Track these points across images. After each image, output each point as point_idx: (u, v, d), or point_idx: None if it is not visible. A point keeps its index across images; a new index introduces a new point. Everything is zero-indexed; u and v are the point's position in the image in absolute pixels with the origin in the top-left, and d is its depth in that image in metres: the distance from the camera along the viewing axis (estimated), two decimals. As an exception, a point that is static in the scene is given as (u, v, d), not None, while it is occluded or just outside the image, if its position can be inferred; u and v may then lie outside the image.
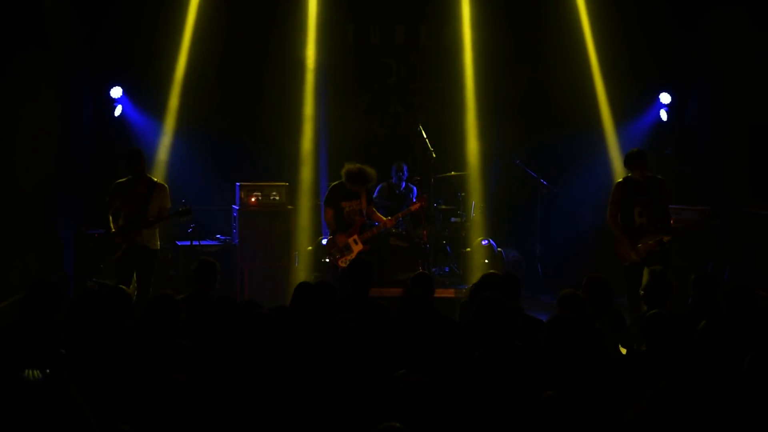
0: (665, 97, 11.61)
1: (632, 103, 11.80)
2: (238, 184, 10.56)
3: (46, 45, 8.99)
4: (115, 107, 11.30)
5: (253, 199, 10.45)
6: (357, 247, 9.44)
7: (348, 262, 9.08)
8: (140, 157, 8.84)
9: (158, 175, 9.89)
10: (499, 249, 11.20)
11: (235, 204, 10.58)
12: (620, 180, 8.71)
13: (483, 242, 11.18)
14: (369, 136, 12.20)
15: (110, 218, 8.76)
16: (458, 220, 11.29)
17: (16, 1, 8.70)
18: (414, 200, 10.50)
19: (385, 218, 9.70)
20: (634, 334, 6.45)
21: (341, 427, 4.40)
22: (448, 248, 11.26)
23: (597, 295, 6.18)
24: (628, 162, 8.59)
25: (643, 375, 4.75)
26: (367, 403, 4.52)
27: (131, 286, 8.60)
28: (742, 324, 5.80)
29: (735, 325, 5.74)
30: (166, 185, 8.95)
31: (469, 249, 11.25)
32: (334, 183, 9.68)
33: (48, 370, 3.63)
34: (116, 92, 11.26)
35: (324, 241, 10.55)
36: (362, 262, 7.21)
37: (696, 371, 4.54)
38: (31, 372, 3.62)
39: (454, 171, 11.37)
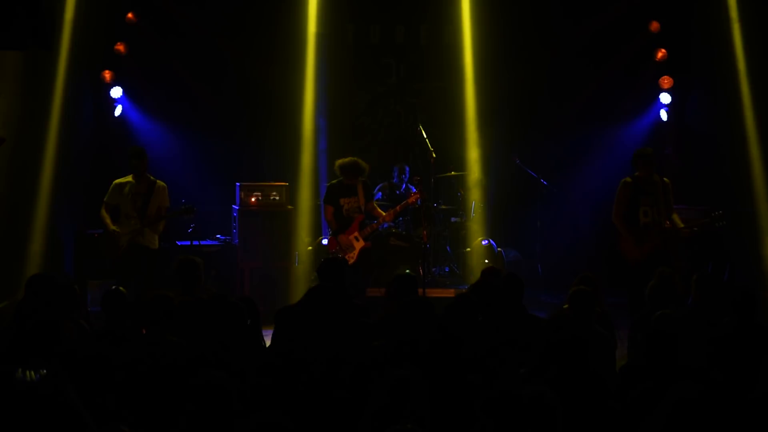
0: (665, 97, 11.60)
1: (632, 103, 11.79)
2: (238, 184, 10.56)
3: (46, 45, 8.98)
4: (115, 107, 11.31)
5: (253, 199, 10.45)
6: (359, 244, 9.43)
7: (351, 260, 9.12)
8: (143, 156, 8.85)
9: (158, 175, 9.89)
10: (499, 249, 11.19)
11: (235, 204, 10.59)
12: (626, 179, 8.69)
13: (483, 242, 11.17)
14: (369, 136, 12.20)
15: (109, 217, 8.76)
16: (458, 220, 11.29)
17: (16, 1, 8.69)
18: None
19: (384, 213, 9.72)
20: (635, 334, 6.46)
21: (354, 428, 4.39)
22: (448, 248, 11.26)
23: (580, 308, 6.12)
24: (635, 161, 8.56)
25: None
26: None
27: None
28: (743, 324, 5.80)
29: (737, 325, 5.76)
30: (166, 185, 8.96)
31: (469, 249, 11.25)
32: (332, 182, 9.70)
33: (45, 371, 3.62)
34: (116, 92, 11.27)
35: (324, 241, 10.56)
36: (334, 260, 7.12)
37: (706, 380, 4.53)
38: (28, 373, 3.62)
39: (454, 171, 11.36)
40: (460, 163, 11.69)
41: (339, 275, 6.67)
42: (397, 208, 9.83)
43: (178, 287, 6.61)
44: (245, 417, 3.57)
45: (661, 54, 11.52)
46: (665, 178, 8.66)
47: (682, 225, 8.60)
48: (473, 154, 11.92)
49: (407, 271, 8.87)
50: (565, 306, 6.36)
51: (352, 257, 9.24)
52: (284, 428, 3.46)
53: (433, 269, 10.76)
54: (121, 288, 6.02)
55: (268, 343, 5.71)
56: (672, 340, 4.80)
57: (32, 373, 3.61)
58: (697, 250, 9.93)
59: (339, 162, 9.46)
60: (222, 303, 5.47)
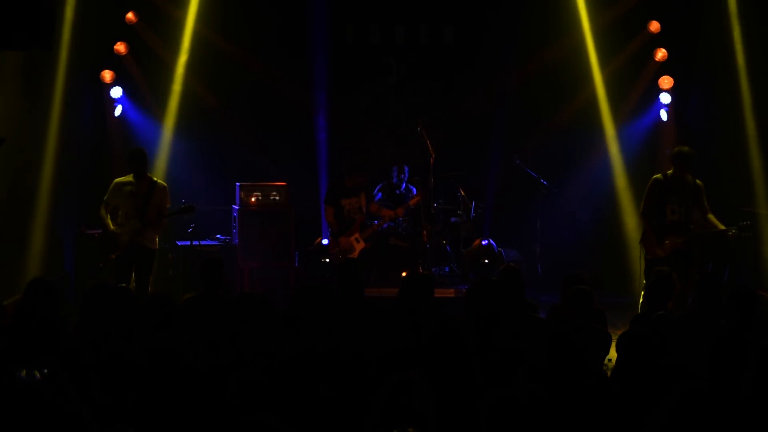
0: (665, 97, 11.60)
1: (632, 103, 11.80)
2: (238, 184, 10.57)
3: (46, 45, 8.98)
4: (115, 107, 11.32)
5: (253, 199, 10.45)
6: (359, 246, 9.44)
7: None
8: (143, 156, 8.87)
9: (158, 175, 9.89)
10: (499, 249, 11.20)
11: (235, 204, 10.59)
12: (658, 175, 8.69)
13: (483, 242, 11.17)
14: (369, 136, 12.20)
15: (109, 217, 8.77)
16: (458, 220, 11.29)
17: (16, 1, 8.69)
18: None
19: (388, 211, 9.72)
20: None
21: (348, 428, 4.39)
22: (448, 248, 11.26)
23: (580, 307, 6.13)
24: (672, 158, 8.58)
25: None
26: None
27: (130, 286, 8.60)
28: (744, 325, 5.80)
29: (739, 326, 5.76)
30: (166, 185, 8.97)
31: (469, 249, 11.25)
32: (332, 182, 9.70)
33: (45, 371, 3.63)
34: (116, 92, 11.28)
35: (324, 242, 10.56)
36: (349, 262, 7.14)
37: (708, 379, 4.53)
38: (28, 372, 3.62)
39: (454, 171, 11.36)
40: (460, 163, 11.70)
41: (355, 276, 6.67)
42: (399, 210, 9.85)
43: (178, 287, 6.61)
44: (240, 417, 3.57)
45: (661, 54, 11.52)
46: (698, 180, 8.67)
47: (723, 227, 8.58)
48: (473, 154, 11.93)
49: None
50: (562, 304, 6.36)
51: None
52: (274, 430, 3.45)
53: (433, 269, 10.76)
54: (123, 284, 6.02)
55: None
56: (645, 341, 4.78)
57: (32, 373, 3.62)
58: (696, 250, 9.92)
59: (344, 164, 9.48)
60: (248, 300, 5.47)
